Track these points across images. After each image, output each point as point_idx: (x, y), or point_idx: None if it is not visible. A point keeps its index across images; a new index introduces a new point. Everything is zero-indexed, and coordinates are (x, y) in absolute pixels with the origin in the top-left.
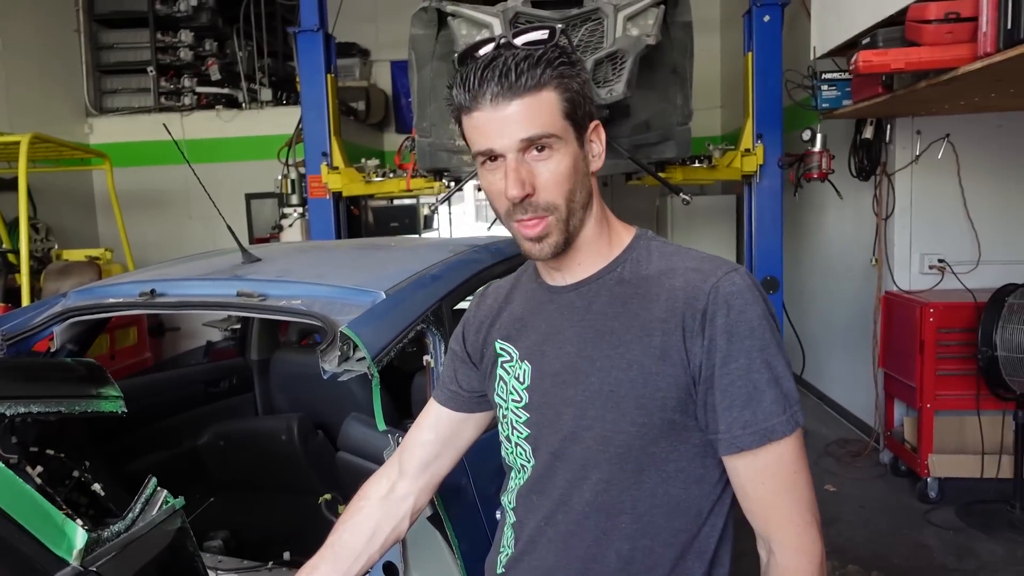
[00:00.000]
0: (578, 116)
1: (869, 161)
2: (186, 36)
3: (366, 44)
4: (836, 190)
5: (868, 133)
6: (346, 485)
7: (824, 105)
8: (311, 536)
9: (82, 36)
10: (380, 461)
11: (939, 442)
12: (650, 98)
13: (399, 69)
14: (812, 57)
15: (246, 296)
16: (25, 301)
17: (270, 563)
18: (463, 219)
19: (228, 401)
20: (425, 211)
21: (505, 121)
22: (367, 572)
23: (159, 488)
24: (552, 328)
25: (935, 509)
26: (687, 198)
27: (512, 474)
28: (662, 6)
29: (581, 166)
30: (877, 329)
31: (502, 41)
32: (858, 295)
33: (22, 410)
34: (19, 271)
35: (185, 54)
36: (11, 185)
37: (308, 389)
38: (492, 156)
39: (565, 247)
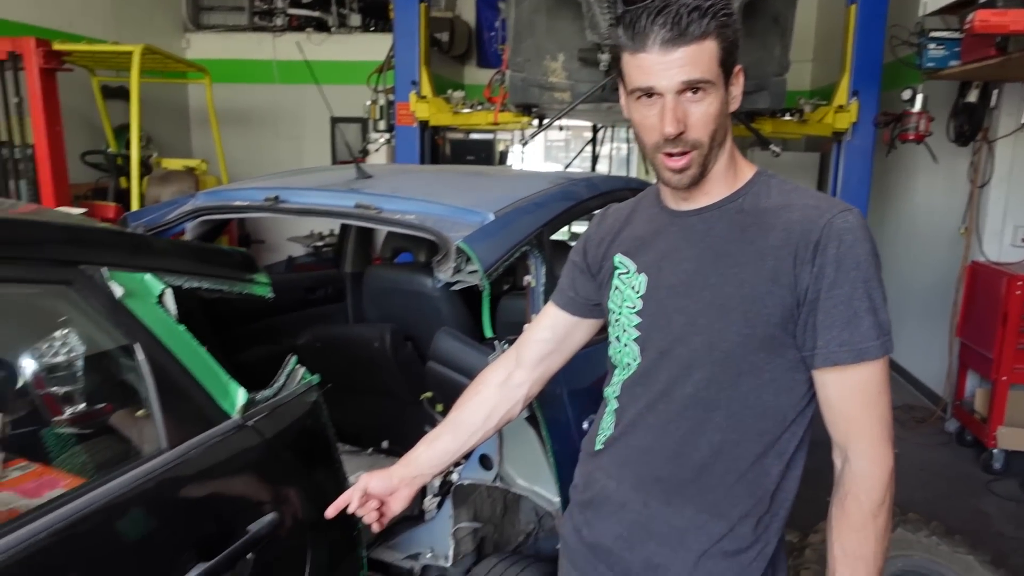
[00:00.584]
0: (729, 63)
1: (971, 126)
2: None
3: None
4: (932, 154)
5: (972, 97)
6: (434, 392)
7: (929, 64)
8: (405, 430)
9: None
10: (468, 372)
11: (1010, 415)
12: (749, 46)
13: (484, 2)
14: (921, 13)
15: (364, 208)
16: (135, 204)
17: (370, 449)
18: (533, 159)
19: (323, 308)
20: (502, 147)
21: (670, 64)
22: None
23: (298, 366)
24: (671, 247)
25: (998, 480)
26: (777, 150)
27: (617, 371)
28: None
29: (725, 108)
30: (958, 298)
31: None
32: (942, 263)
33: (195, 284)
34: (125, 174)
35: None
36: (116, 93)
37: (397, 303)
38: (650, 93)
39: (700, 179)
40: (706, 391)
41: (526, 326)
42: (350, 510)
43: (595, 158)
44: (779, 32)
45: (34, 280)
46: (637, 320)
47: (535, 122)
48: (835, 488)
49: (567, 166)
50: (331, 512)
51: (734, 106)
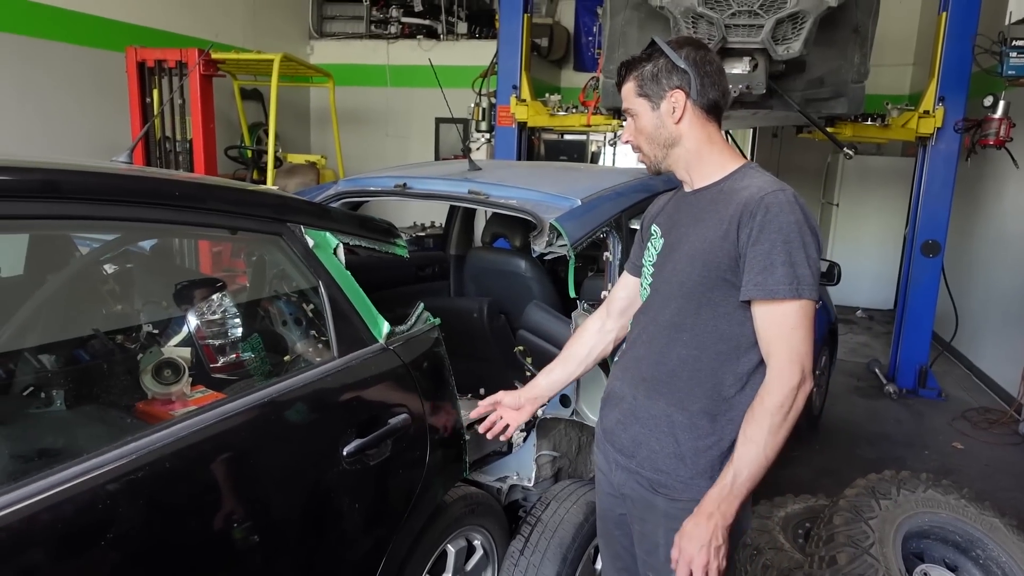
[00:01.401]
0: (652, 96)
1: None
2: None
3: None
4: (1013, 159)
5: None
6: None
7: (1010, 72)
8: (498, 382)
9: None
10: (553, 339)
11: None
12: (828, 55)
13: (583, 8)
14: (1008, 22)
15: (475, 193)
16: None
17: (468, 395)
18: (625, 159)
19: (430, 284)
20: (593, 148)
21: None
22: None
23: (424, 311)
24: (679, 217)
25: None
26: (850, 152)
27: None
28: None
29: (655, 122)
30: None
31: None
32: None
33: (355, 242)
34: (250, 165)
35: None
36: (249, 95)
37: (493, 282)
38: None
39: (658, 168)
40: (677, 317)
41: (612, 287)
42: (487, 417)
43: None
44: (859, 41)
45: (261, 231)
46: (652, 269)
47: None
48: None
49: None
50: (475, 414)
51: (675, 117)
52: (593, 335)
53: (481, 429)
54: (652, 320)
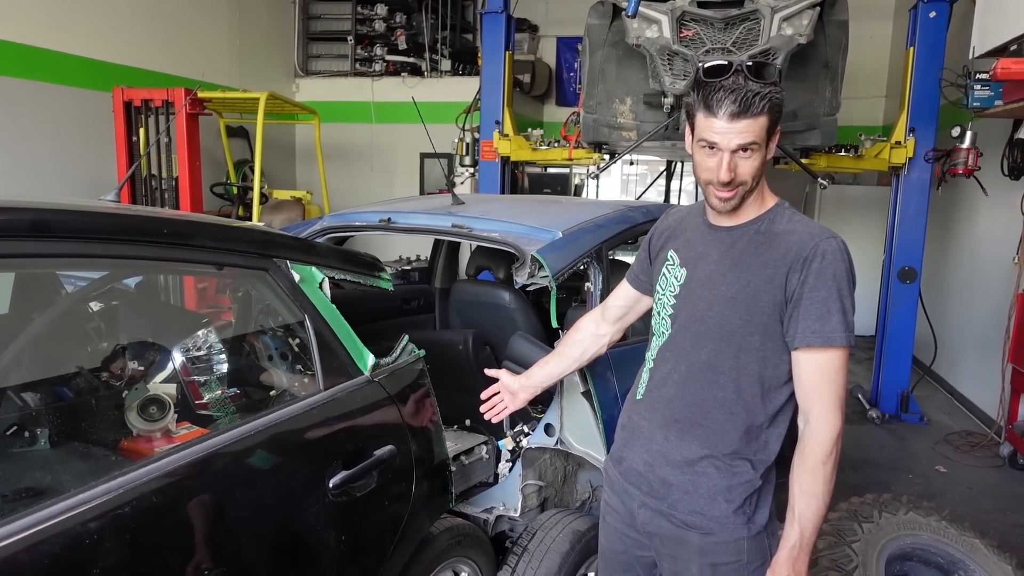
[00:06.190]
0: (773, 130)
1: (1022, 161)
2: (381, 9)
3: (536, 20)
4: (982, 187)
5: (1022, 133)
6: None
7: (975, 104)
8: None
9: (296, 7)
10: None
11: None
12: (799, 90)
13: (564, 45)
14: (971, 56)
15: (459, 227)
16: None
17: (455, 426)
18: (609, 191)
19: (416, 317)
20: (577, 180)
21: (732, 131)
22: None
23: (409, 343)
24: (706, 251)
25: None
26: (824, 183)
27: (655, 338)
28: (818, 8)
29: (764, 160)
30: (1011, 326)
31: (738, 66)
32: (997, 293)
33: (339, 276)
34: (236, 202)
35: (379, 25)
36: (235, 132)
37: (478, 314)
38: (712, 146)
39: (738, 207)
40: (715, 359)
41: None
42: (488, 396)
43: (668, 190)
44: (829, 76)
45: (247, 266)
46: (674, 301)
47: (606, 157)
48: (798, 443)
49: (638, 197)
50: (486, 395)
51: (769, 155)
52: (587, 337)
53: (482, 409)
54: (684, 359)
